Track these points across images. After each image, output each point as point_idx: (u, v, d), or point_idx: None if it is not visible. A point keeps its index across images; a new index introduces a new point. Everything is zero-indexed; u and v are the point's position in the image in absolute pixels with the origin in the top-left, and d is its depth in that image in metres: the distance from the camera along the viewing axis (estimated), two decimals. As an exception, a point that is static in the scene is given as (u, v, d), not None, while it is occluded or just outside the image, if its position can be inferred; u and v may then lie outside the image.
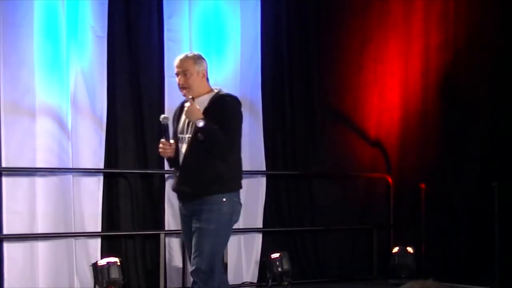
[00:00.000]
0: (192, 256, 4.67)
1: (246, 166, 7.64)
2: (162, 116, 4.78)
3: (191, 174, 4.71)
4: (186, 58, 4.81)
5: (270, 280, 7.36)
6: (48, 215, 6.62)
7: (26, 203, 6.52)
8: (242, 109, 7.65)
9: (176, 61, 4.83)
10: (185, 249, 5.13)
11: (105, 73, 6.96)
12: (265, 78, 7.89)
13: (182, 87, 4.78)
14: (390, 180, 8.42)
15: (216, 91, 4.86)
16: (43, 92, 6.63)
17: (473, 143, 7.71)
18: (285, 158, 8.06)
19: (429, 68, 8.25)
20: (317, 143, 8.24)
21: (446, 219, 7.90)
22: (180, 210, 4.86)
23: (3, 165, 6.46)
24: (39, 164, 6.59)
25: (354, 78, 8.48)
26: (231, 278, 7.46)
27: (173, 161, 4.81)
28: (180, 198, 4.83)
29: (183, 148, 4.74)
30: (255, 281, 7.63)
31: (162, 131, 4.74)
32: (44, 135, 6.63)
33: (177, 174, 4.77)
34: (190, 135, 4.70)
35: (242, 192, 7.62)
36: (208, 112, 4.68)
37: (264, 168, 7.77)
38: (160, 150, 4.76)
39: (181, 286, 7.12)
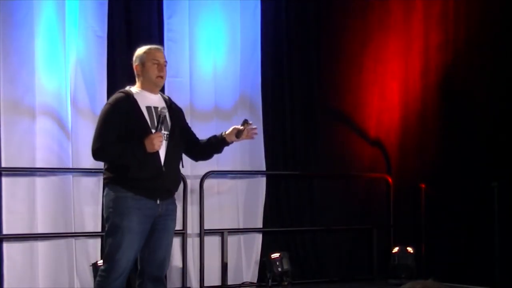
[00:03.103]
0: (163, 255, 4.62)
1: (246, 166, 7.69)
2: (161, 106, 4.60)
3: (172, 171, 4.62)
4: (163, 50, 4.79)
5: (270, 280, 7.36)
6: (48, 215, 6.63)
7: (26, 203, 6.52)
8: (242, 109, 7.79)
9: (159, 49, 4.74)
10: (123, 250, 4.47)
11: (105, 73, 6.97)
12: (265, 78, 7.90)
13: (162, 76, 4.67)
14: (390, 180, 8.42)
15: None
16: (43, 92, 6.64)
17: (473, 143, 7.71)
18: (285, 158, 8.06)
19: (429, 68, 8.25)
20: (317, 143, 8.24)
21: (446, 219, 7.89)
22: (141, 210, 4.50)
23: (3, 165, 6.46)
24: (39, 164, 6.59)
25: (354, 78, 8.48)
26: (231, 278, 7.47)
27: (145, 155, 4.49)
28: (162, 196, 4.58)
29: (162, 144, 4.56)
30: (255, 281, 7.63)
31: (160, 123, 4.52)
32: (44, 135, 6.63)
33: (158, 170, 4.52)
34: (165, 133, 4.58)
35: (242, 192, 7.76)
36: (178, 114, 4.76)
37: (264, 168, 7.78)
38: (158, 143, 4.46)
39: (181, 286, 7.12)
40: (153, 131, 4.50)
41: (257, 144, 7.75)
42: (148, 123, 4.53)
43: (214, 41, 7.59)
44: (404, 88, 8.47)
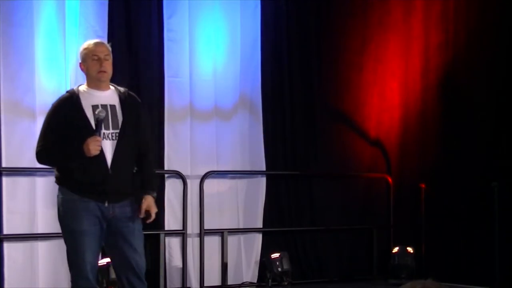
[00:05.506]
0: (135, 256, 4.51)
1: (246, 166, 7.69)
2: (99, 109, 4.45)
3: (122, 172, 4.48)
4: (106, 44, 4.72)
5: (270, 280, 7.36)
6: (48, 215, 6.61)
7: (26, 203, 6.52)
8: (242, 109, 7.79)
9: (98, 43, 4.67)
10: (81, 254, 4.52)
11: (105, 73, 6.95)
12: (265, 78, 7.89)
13: (104, 71, 4.58)
14: (390, 180, 8.42)
15: (112, 85, 4.70)
16: (43, 92, 6.63)
17: (473, 143, 7.71)
18: (285, 158, 8.06)
19: (429, 68, 8.26)
20: (317, 143, 8.23)
21: (446, 219, 7.90)
22: (91, 211, 4.43)
23: (3, 165, 6.45)
24: (39, 164, 6.57)
25: (354, 78, 8.48)
26: (231, 278, 7.47)
27: (87, 157, 4.38)
28: (111, 198, 4.45)
29: (108, 144, 4.45)
30: (255, 281, 7.63)
31: (97, 126, 4.40)
32: (44, 135, 6.62)
33: (104, 174, 4.43)
34: (114, 132, 4.47)
35: (242, 192, 7.75)
36: (130, 108, 4.58)
37: (264, 168, 7.77)
38: (94, 147, 4.34)
39: (181, 286, 7.12)
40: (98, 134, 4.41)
41: (257, 144, 7.76)
42: (90, 123, 4.43)
43: (214, 41, 7.58)
44: (404, 88, 8.47)
